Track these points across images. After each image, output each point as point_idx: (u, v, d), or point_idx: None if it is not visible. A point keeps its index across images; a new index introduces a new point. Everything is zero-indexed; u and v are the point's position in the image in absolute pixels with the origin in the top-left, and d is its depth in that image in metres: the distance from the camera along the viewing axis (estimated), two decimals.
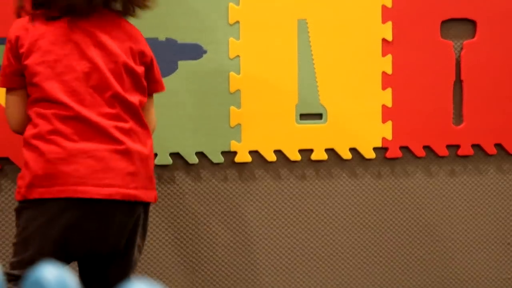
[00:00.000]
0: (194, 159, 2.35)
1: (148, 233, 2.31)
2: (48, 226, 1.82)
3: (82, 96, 1.84)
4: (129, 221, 1.88)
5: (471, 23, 2.52)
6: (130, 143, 1.86)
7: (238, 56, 2.35)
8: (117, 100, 1.86)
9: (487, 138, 2.54)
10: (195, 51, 2.32)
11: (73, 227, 1.83)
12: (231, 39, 2.34)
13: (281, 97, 2.39)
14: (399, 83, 2.46)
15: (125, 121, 1.87)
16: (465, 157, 2.54)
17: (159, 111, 2.28)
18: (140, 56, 1.92)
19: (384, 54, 2.45)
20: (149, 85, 1.96)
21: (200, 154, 2.36)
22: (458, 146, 2.53)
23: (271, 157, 2.40)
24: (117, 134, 1.84)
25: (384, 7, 2.44)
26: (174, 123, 2.32)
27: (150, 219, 2.31)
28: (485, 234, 2.56)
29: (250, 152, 2.39)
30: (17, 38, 1.86)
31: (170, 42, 2.29)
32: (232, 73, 2.35)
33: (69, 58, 1.85)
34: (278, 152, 2.41)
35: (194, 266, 2.38)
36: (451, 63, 2.51)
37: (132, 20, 2.22)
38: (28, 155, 1.84)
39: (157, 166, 2.31)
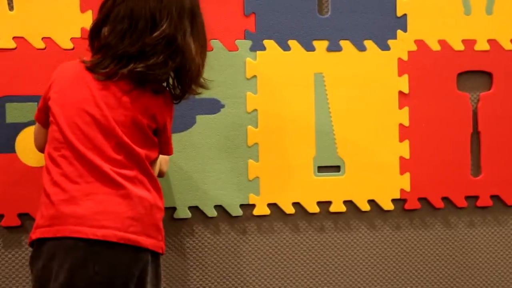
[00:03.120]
0: (213, 213, 2.36)
1: (168, 286, 2.32)
2: (51, 266, 1.86)
3: (90, 140, 1.90)
4: (133, 267, 1.89)
5: (487, 75, 2.54)
6: (132, 189, 1.90)
7: (255, 109, 2.38)
8: (123, 148, 1.91)
9: (506, 189, 2.54)
10: (213, 106, 2.36)
11: (74, 269, 1.85)
12: (249, 93, 2.37)
13: (299, 149, 2.41)
14: (416, 135, 2.48)
15: (130, 168, 1.92)
16: (484, 208, 2.54)
17: (178, 165, 2.32)
18: (152, 117, 1.96)
19: (401, 107, 2.47)
20: (160, 146, 2.03)
21: (219, 208, 2.37)
22: (477, 197, 2.53)
23: (290, 209, 2.41)
24: (120, 179, 1.89)
25: (400, 60, 2.46)
26: (192, 176, 2.34)
27: (168, 271, 2.33)
28: (505, 285, 2.55)
29: (269, 205, 2.40)
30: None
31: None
32: (249, 127, 2.38)
33: (83, 103, 1.92)
34: (296, 205, 2.42)
35: None
36: (468, 114, 2.52)
37: None
38: (41, 200, 1.92)
39: (175, 219, 2.33)
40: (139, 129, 1.94)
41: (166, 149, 2.05)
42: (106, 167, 1.89)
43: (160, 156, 2.08)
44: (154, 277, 1.95)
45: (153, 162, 2.00)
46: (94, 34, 1.96)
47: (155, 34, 1.90)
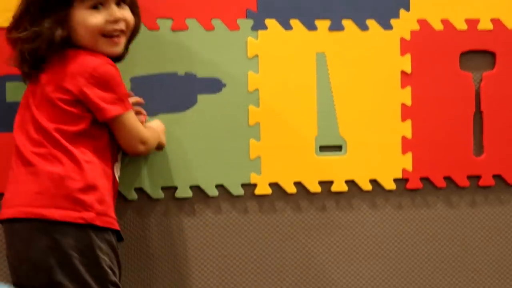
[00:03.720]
0: (214, 192, 2.37)
1: (170, 266, 2.34)
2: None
3: (23, 124, 2.03)
4: (43, 240, 1.93)
5: (490, 55, 2.53)
6: (42, 165, 1.96)
7: (257, 89, 2.38)
8: (39, 127, 1.99)
9: (508, 168, 2.54)
10: (214, 85, 2.35)
11: (7, 249, 2.02)
12: (250, 72, 2.37)
13: (301, 129, 2.41)
14: (419, 114, 2.47)
15: (43, 146, 1.97)
16: (486, 187, 2.54)
17: (178, 145, 2.32)
18: (64, 91, 2.00)
19: (403, 86, 2.46)
20: (96, 114, 2.02)
21: (220, 187, 2.37)
22: (479, 177, 2.53)
23: (291, 189, 2.42)
24: (32, 158, 1.97)
25: (402, 40, 2.45)
26: (194, 156, 2.34)
27: (169, 251, 2.34)
28: (508, 265, 2.55)
29: (270, 184, 2.40)
30: None
31: (189, 76, 2.32)
32: (251, 106, 2.37)
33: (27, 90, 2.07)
34: (298, 184, 2.42)
35: None
36: (470, 94, 2.51)
37: (151, 56, 2.27)
38: None
39: (177, 199, 2.34)
40: (51, 104, 1.99)
41: (99, 115, 2.03)
42: (25, 148, 1.98)
43: (149, 125, 2.16)
44: (83, 255, 1.96)
45: (83, 134, 2.01)
46: None
47: None
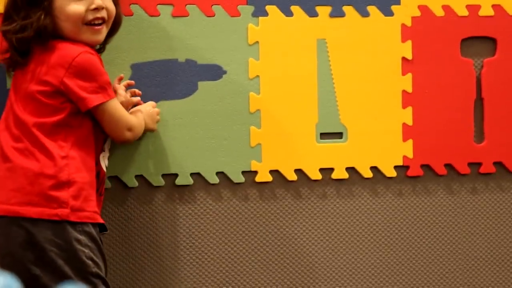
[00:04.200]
0: (215, 179, 2.36)
1: (170, 254, 2.33)
2: None
3: (6, 119, 2.02)
4: (19, 237, 1.94)
5: (491, 41, 2.52)
6: (18, 161, 1.96)
7: (257, 76, 2.37)
8: (18, 121, 1.99)
9: (509, 156, 2.53)
10: (214, 72, 2.34)
11: None
12: (251, 59, 2.36)
13: (301, 116, 2.40)
14: (420, 101, 2.47)
15: (21, 140, 1.97)
16: (487, 174, 2.54)
17: (179, 132, 2.31)
18: (44, 83, 1.99)
19: (404, 73, 2.46)
20: (78, 104, 2.01)
21: (221, 174, 2.37)
22: (479, 164, 2.52)
23: (292, 176, 2.41)
24: (10, 153, 1.97)
25: (403, 26, 2.44)
26: (194, 143, 2.33)
27: (170, 238, 2.33)
28: (508, 251, 2.55)
29: (271, 172, 2.40)
30: None
31: (189, 63, 2.31)
32: (252, 93, 2.37)
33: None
34: (298, 171, 2.42)
35: (216, 286, 2.39)
36: (471, 81, 2.50)
37: (151, 43, 2.26)
38: None
39: (178, 186, 2.33)
40: (31, 98, 1.99)
41: (81, 105, 2.02)
42: (7, 143, 1.98)
43: (134, 110, 2.17)
44: (60, 249, 1.95)
45: (62, 125, 2.00)
46: None
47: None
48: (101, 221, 2.04)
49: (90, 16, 2.03)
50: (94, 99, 2.01)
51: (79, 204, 1.97)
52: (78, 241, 1.97)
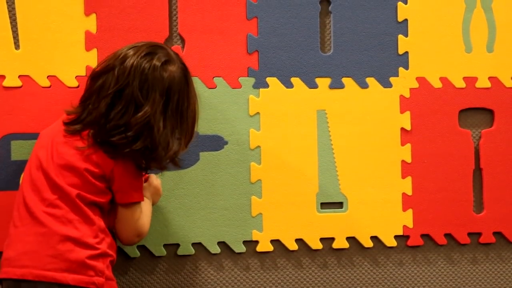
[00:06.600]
0: (216, 249, 2.37)
1: None
2: None
3: (33, 182, 2.03)
4: None
5: (489, 112, 2.56)
6: (56, 227, 1.98)
7: (258, 146, 2.39)
8: (57, 189, 2.00)
9: (509, 226, 2.55)
10: (216, 142, 2.37)
11: None
12: (252, 130, 2.39)
13: (302, 186, 2.42)
14: (419, 171, 2.49)
15: (59, 207, 1.99)
16: (487, 244, 2.54)
17: (181, 202, 2.33)
18: (94, 163, 2.03)
19: (403, 143, 2.48)
20: (116, 195, 2.06)
21: (222, 244, 2.38)
22: (479, 234, 2.53)
23: (293, 246, 2.42)
24: (45, 219, 1.98)
25: (402, 97, 2.48)
26: (195, 213, 2.35)
27: None
28: None
29: (272, 241, 2.41)
30: None
31: None
32: (253, 163, 2.39)
33: (40, 149, 2.06)
34: (299, 241, 2.43)
35: None
36: (470, 151, 2.53)
37: None
38: None
39: (179, 256, 2.34)
40: (76, 172, 2.01)
41: (117, 197, 2.07)
42: (38, 208, 1.99)
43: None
44: None
45: (102, 207, 2.05)
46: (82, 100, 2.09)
47: (139, 115, 2.00)
48: None
49: None
50: (134, 196, 2.08)
51: (110, 274, 2.04)
52: None
